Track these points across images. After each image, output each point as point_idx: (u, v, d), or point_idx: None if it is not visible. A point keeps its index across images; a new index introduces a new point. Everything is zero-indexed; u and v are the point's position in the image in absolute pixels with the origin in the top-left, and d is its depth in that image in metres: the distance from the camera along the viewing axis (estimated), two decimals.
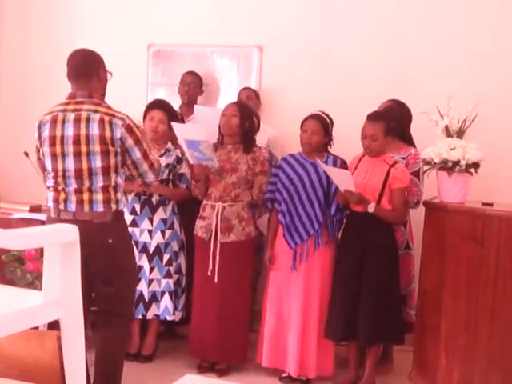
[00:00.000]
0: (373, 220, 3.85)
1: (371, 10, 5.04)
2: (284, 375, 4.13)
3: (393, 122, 3.95)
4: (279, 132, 4.97)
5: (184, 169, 4.34)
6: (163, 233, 4.27)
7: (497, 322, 3.57)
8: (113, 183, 3.22)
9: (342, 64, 5.05)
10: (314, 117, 4.11)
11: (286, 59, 5.22)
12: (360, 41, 5.04)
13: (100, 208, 3.19)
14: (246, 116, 4.21)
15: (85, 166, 3.16)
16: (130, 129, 3.19)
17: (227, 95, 5.25)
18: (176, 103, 4.98)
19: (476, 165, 3.75)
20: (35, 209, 4.63)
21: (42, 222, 3.96)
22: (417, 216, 4.27)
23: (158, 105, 4.44)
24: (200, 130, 4.07)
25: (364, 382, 3.99)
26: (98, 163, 3.16)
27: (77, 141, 3.15)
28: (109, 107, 3.23)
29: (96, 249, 3.12)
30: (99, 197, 3.19)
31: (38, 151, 3.30)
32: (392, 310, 3.93)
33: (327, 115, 4.23)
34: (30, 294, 2.42)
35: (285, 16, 5.23)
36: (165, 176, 4.28)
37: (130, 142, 3.20)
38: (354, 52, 5.04)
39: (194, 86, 5.14)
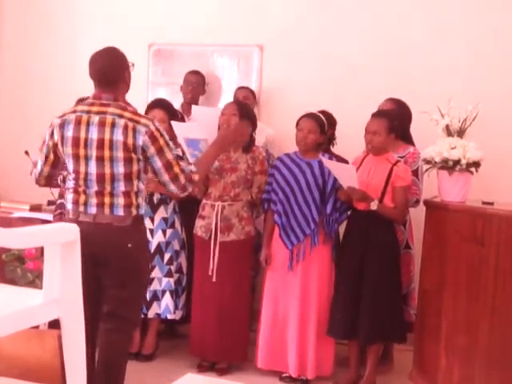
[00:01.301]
0: (375, 218, 3.85)
1: (371, 9, 5.04)
2: (285, 375, 4.12)
3: (395, 121, 3.96)
4: (280, 131, 4.97)
5: None
6: (164, 232, 4.28)
7: (497, 322, 3.56)
8: (135, 189, 3.15)
9: (342, 64, 5.05)
10: (310, 116, 4.10)
11: (287, 59, 5.22)
12: (360, 41, 5.04)
13: (120, 212, 3.13)
14: (245, 115, 4.20)
15: (107, 171, 3.09)
16: (153, 137, 3.10)
17: (228, 95, 5.24)
18: (177, 102, 4.97)
19: (476, 164, 3.75)
20: (35, 208, 4.63)
21: (43, 221, 3.96)
22: (417, 215, 4.28)
23: (159, 104, 4.43)
24: (200, 128, 4.05)
25: (365, 382, 3.99)
26: (120, 169, 3.09)
27: (101, 145, 3.07)
28: (134, 112, 3.16)
29: (115, 252, 3.10)
30: (120, 201, 3.12)
31: (56, 148, 3.18)
32: (394, 308, 3.93)
33: (330, 115, 4.22)
34: (31, 293, 2.43)
35: (285, 16, 5.23)
36: None
37: (151, 150, 3.10)
38: (354, 52, 5.04)
39: (197, 86, 5.15)
